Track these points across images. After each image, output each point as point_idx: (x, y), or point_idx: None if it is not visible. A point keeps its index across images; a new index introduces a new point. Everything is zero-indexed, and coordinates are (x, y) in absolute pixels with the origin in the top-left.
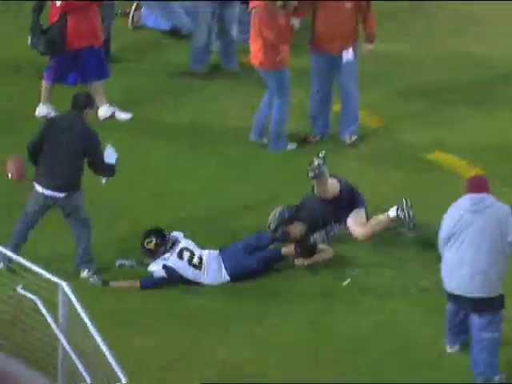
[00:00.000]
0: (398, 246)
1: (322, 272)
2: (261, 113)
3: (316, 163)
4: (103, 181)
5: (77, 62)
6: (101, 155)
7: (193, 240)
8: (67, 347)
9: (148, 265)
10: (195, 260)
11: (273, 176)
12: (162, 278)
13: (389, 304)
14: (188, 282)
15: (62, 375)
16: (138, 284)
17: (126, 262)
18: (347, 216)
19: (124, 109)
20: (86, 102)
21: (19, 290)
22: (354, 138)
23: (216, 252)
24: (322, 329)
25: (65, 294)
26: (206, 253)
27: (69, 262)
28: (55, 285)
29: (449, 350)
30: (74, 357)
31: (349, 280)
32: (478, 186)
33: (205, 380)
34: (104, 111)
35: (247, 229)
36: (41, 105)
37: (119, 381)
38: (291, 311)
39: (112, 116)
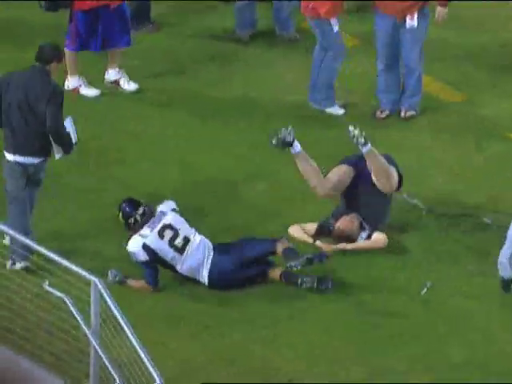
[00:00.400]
0: (471, 234)
1: (381, 262)
2: (313, 71)
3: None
4: (57, 156)
5: (97, 25)
6: (58, 119)
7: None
8: (100, 351)
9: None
10: (178, 241)
11: (329, 157)
12: (148, 263)
13: (461, 304)
14: (164, 265)
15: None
16: (147, 286)
17: None
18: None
19: (166, 78)
20: (52, 55)
21: (46, 286)
22: (409, 113)
23: (207, 242)
24: (382, 324)
25: (97, 291)
26: (197, 238)
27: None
28: (82, 280)
29: None
30: (107, 362)
31: (426, 289)
32: None
33: None
34: (110, 74)
35: (280, 214)
36: (68, 77)
37: None
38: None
39: (117, 82)
